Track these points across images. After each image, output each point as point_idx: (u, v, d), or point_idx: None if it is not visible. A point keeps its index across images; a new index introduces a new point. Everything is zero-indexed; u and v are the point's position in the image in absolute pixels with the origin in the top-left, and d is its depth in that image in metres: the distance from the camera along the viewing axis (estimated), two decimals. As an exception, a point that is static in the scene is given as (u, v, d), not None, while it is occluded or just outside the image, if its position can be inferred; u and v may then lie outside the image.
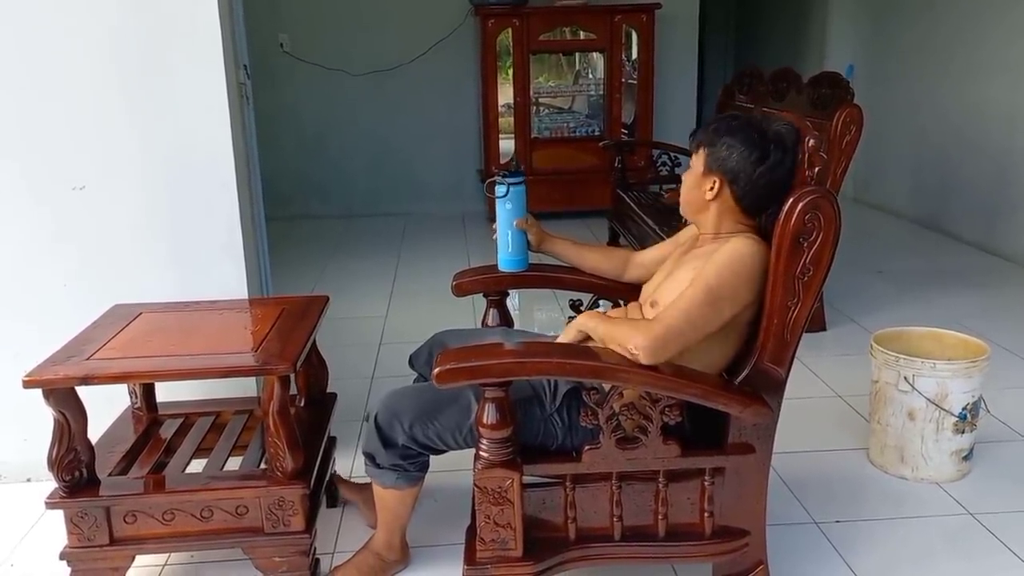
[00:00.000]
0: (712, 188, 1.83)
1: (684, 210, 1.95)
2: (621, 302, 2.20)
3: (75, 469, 1.95)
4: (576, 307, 2.29)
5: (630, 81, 6.46)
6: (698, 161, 1.86)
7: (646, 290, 2.01)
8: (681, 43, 6.66)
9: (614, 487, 1.81)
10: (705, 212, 1.87)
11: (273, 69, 6.14)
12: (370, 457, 1.96)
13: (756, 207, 1.85)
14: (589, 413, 1.75)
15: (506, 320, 2.34)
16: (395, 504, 2.01)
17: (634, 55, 6.47)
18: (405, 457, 1.92)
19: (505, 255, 2.24)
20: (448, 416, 1.85)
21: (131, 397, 2.42)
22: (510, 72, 6.22)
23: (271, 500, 1.98)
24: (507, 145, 6.31)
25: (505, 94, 6.29)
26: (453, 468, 2.14)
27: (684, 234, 2.06)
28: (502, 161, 6.27)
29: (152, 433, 2.34)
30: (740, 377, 1.80)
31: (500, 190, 2.17)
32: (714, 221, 1.87)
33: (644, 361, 1.69)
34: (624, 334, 1.73)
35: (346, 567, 2.13)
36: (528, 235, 2.23)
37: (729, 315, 1.76)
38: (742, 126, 1.81)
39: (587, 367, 1.73)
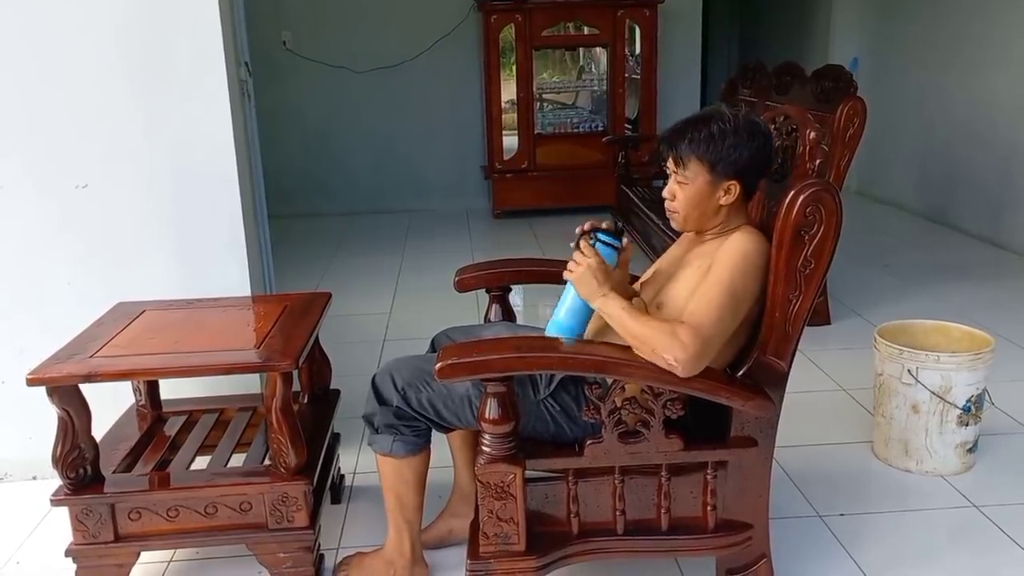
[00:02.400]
0: (728, 192, 1.80)
1: (689, 224, 1.87)
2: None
3: (79, 466, 1.95)
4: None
5: (633, 76, 6.45)
6: (698, 173, 1.79)
7: (647, 291, 1.95)
8: (684, 37, 6.66)
9: (616, 481, 1.81)
10: (715, 217, 1.84)
11: (276, 67, 6.15)
12: (369, 421, 1.96)
13: (756, 188, 1.87)
14: (591, 407, 1.75)
15: (509, 315, 2.34)
16: (394, 478, 1.97)
17: (637, 50, 6.46)
18: (399, 417, 1.91)
19: (568, 322, 1.82)
20: (438, 383, 1.84)
21: (135, 394, 2.43)
22: (513, 68, 6.22)
23: (275, 496, 1.98)
24: (510, 141, 6.31)
25: (508, 90, 6.29)
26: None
27: (672, 251, 2.01)
28: (506, 157, 6.27)
29: (156, 430, 2.35)
30: (742, 371, 1.80)
31: (607, 252, 1.80)
32: (723, 221, 1.85)
33: (682, 375, 1.66)
34: (658, 340, 1.66)
35: (352, 565, 2.12)
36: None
37: (745, 312, 1.76)
38: (730, 123, 1.78)
39: (590, 362, 1.73)
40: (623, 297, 1.77)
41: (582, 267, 1.76)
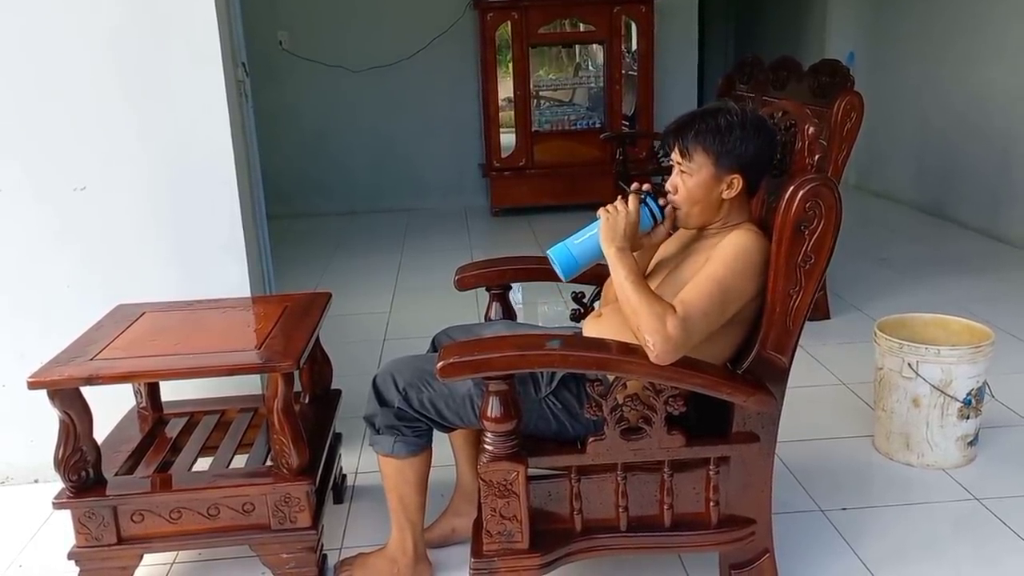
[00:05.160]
0: (731, 186, 1.80)
1: (691, 220, 1.85)
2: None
3: (81, 469, 1.95)
4: (579, 299, 2.29)
5: (630, 72, 6.44)
6: (703, 164, 1.79)
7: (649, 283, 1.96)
8: (680, 33, 6.65)
9: (619, 478, 1.81)
10: (717, 211, 1.84)
11: (273, 67, 6.14)
12: (370, 422, 1.96)
13: (759, 185, 1.86)
14: (593, 405, 1.75)
15: (509, 314, 2.34)
16: (396, 478, 1.98)
17: (634, 46, 6.46)
18: (401, 418, 1.91)
19: (574, 251, 1.85)
20: (440, 383, 1.85)
21: (136, 396, 2.43)
22: (510, 66, 6.21)
23: (277, 497, 1.98)
24: (508, 139, 6.30)
25: (505, 88, 6.29)
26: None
27: (669, 244, 1.99)
28: (503, 155, 6.25)
29: (157, 432, 2.35)
30: (743, 366, 1.80)
31: (646, 216, 1.84)
32: (725, 217, 1.85)
33: (654, 360, 1.67)
34: (645, 319, 1.67)
35: (355, 565, 2.12)
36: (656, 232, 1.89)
37: (734, 311, 1.75)
38: (736, 115, 1.78)
39: (591, 359, 1.73)
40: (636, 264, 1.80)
41: (620, 214, 1.79)
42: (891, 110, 6.12)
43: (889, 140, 6.27)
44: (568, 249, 1.86)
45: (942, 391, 2.52)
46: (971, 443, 2.60)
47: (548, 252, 1.88)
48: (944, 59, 5.61)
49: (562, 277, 1.88)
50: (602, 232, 1.80)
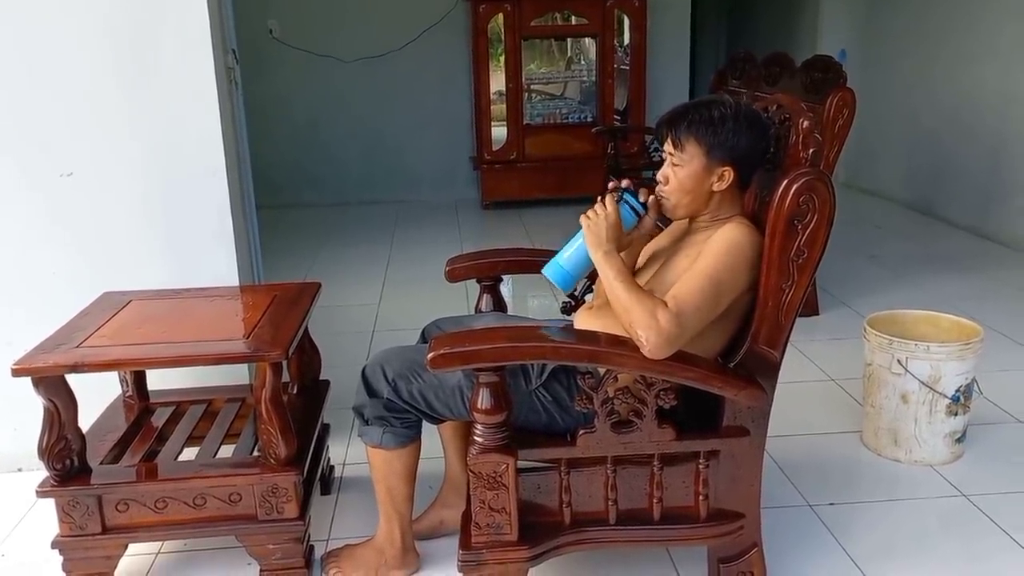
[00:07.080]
0: (721, 178, 1.79)
1: (680, 210, 1.85)
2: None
3: (66, 457, 1.93)
4: (570, 292, 2.27)
5: (622, 66, 6.43)
6: (694, 155, 1.78)
7: (640, 278, 1.92)
8: (673, 28, 6.65)
9: (609, 471, 1.81)
10: (707, 203, 1.83)
11: (263, 56, 6.10)
12: (359, 413, 1.95)
13: (751, 179, 1.86)
14: (584, 397, 1.74)
15: (500, 306, 2.33)
16: (384, 469, 1.97)
17: (626, 40, 6.45)
18: (390, 410, 1.90)
19: (566, 265, 1.87)
20: (429, 374, 1.84)
21: (122, 385, 2.41)
22: (502, 59, 6.19)
23: (264, 487, 1.97)
24: (499, 132, 6.28)
25: (497, 81, 6.27)
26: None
27: (662, 239, 1.99)
28: (494, 148, 6.24)
29: (143, 421, 2.33)
30: (735, 361, 1.80)
31: (628, 214, 1.84)
32: (714, 209, 1.84)
33: (648, 355, 1.67)
34: (637, 315, 1.66)
35: (342, 556, 2.11)
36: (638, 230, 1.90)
37: (727, 304, 1.75)
38: (730, 108, 1.78)
39: (583, 351, 1.72)
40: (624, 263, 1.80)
41: (599, 218, 1.79)
42: (882, 108, 6.14)
43: (880, 138, 6.28)
44: (560, 265, 1.88)
45: (931, 387, 2.52)
46: (959, 440, 2.61)
47: (543, 272, 1.91)
48: (936, 58, 5.63)
49: (563, 291, 1.94)
50: (587, 240, 1.81)
